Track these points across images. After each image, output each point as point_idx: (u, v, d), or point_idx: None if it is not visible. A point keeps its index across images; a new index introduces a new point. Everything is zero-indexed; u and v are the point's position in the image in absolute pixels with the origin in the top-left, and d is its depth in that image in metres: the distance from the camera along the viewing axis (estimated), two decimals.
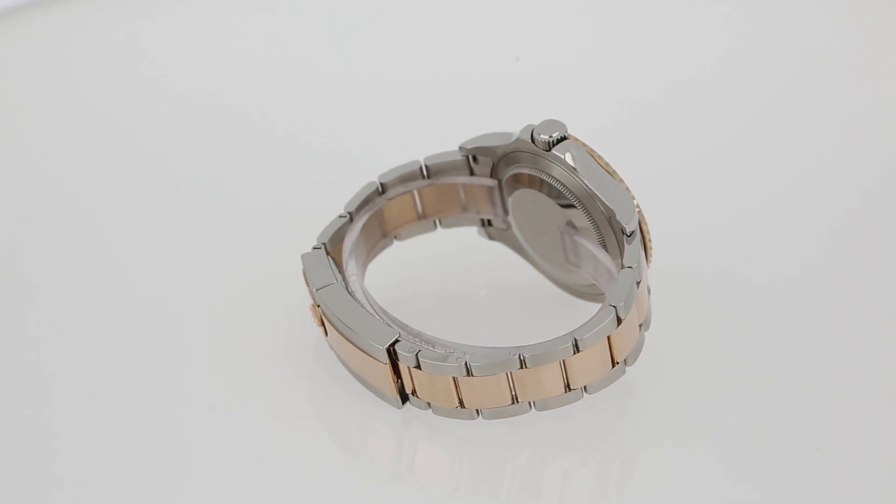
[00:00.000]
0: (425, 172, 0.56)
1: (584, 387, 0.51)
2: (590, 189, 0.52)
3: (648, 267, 0.53)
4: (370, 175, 0.56)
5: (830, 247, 0.59)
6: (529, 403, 0.51)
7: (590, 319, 0.50)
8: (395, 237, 0.57)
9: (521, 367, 0.50)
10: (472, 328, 0.55)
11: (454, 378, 0.50)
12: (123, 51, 0.70)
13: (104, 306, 0.57)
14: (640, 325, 0.52)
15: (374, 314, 0.52)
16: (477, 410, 0.51)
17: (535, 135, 0.52)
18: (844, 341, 0.55)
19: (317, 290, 0.52)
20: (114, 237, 0.61)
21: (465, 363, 0.50)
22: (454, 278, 0.58)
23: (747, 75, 0.68)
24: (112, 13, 0.72)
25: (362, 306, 0.52)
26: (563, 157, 0.52)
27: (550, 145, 0.52)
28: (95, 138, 0.66)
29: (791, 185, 0.62)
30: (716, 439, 0.52)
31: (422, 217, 0.57)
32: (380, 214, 0.56)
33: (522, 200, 0.55)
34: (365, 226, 0.55)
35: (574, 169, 0.52)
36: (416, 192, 0.56)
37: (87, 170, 0.64)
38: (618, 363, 0.51)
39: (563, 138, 0.52)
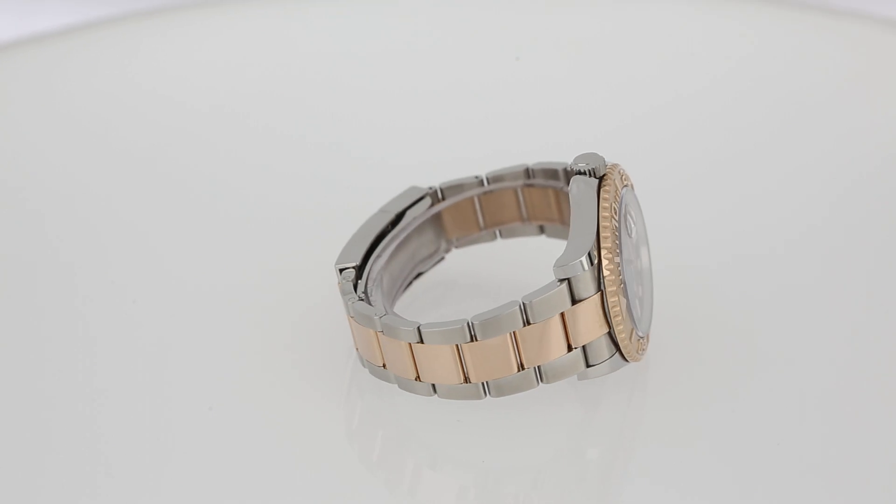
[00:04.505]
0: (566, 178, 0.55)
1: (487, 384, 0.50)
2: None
3: (634, 361, 0.50)
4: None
5: (831, 249, 0.59)
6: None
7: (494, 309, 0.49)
8: (542, 229, 0.56)
9: (380, 333, 0.50)
10: None
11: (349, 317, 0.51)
12: (150, 64, 0.71)
13: (107, 307, 0.58)
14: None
15: (369, 247, 0.53)
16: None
17: (572, 163, 0.51)
18: (847, 342, 0.54)
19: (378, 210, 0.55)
20: (128, 236, 0.62)
21: (349, 306, 0.51)
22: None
23: (750, 85, 0.68)
24: (135, 31, 0.73)
25: (374, 237, 0.53)
26: (570, 187, 0.51)
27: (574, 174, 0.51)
28: (115, 142, 0.67)
29: (792, 188, 0.63)
30: (715, 439, 0.51)
31: (558, 219, 0.56)
32: (521, 195, 0.56)
33: None
34: (495, 196, 0.56)
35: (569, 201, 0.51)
36: (556, 192, 0.55)
37: (104, 172, 0.66)
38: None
39: (584, 172, 0.50)
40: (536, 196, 0.56)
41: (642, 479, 0.50)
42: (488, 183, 0.56)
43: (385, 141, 0.67)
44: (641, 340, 0.51)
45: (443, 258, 0.57)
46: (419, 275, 0.56)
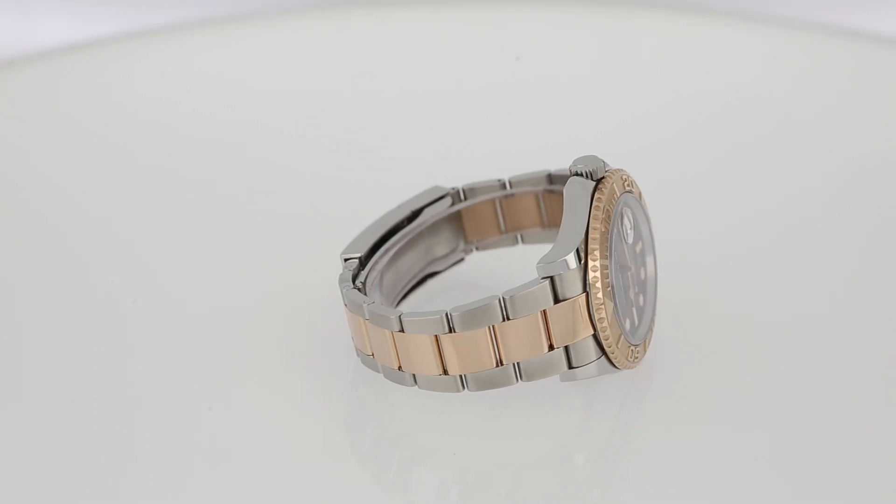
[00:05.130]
0: None
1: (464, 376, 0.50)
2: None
3: (625, 368, 0.50)
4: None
5: (831, 250, 0.60)
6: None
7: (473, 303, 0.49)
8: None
9: (367, 321, 0.50)
10: None
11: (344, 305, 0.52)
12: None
13: (106, 308, 0.58)
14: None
15: (378, 240, 0.53)
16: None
17: (570, 165, 0.51)
18: (848, 341, 0.54)
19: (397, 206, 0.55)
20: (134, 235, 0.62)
21: (343, 292, 0.51)
22: None
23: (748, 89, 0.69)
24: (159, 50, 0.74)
25: (384, 231, 0.53)
26: (565, 187, 0.50)
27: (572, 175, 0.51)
28: (121, 146, 0.68)
29: (791, 188, 0.63)
30: (714, 443, 0.50)
31: None
32: (542, 201, 0.56)
33: None
34: (516, 200, 0.56)
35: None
36: None
37: (109, 174, 0.66)
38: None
39: (582, 174, 0.50)
40: (557, 202, 0.55)
41: (632, 485, 0.50)
42: (510, 187, 0.56)
43: (384, 142, 0.67)
44: (635, 348, 0.51)
45: (462, 259, 0.57)
46: (433, 274, 0.56)
